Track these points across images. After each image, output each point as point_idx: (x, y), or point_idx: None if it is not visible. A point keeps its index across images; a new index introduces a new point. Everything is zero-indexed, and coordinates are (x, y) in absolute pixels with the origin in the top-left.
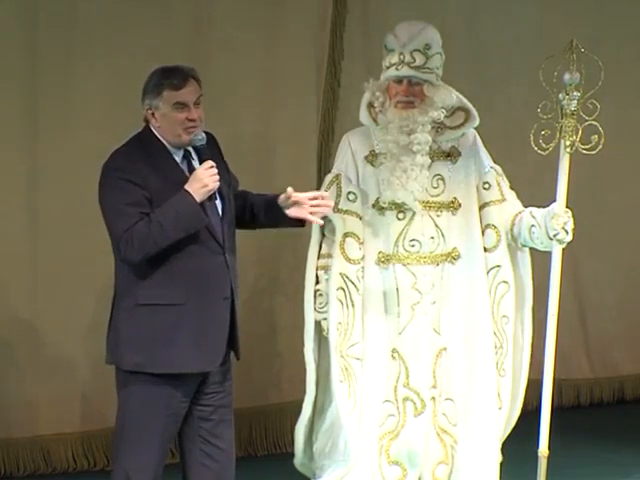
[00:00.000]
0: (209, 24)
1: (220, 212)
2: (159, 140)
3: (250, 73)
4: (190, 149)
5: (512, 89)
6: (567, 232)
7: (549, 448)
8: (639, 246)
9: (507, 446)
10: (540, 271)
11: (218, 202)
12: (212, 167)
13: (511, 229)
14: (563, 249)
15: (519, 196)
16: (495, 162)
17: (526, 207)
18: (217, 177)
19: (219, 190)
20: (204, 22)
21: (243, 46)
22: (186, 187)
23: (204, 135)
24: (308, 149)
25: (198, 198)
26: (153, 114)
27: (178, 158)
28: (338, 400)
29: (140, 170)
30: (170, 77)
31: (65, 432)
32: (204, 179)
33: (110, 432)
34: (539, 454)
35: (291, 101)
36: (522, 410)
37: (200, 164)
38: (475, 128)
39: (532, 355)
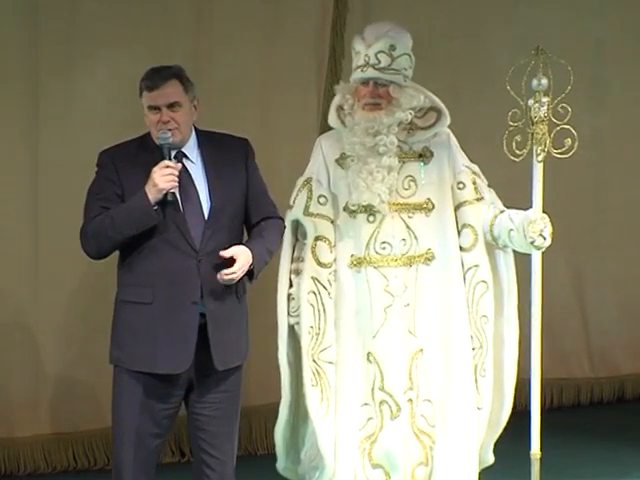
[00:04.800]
0: (210, 23)
1: (206, 215)
2: (154, 141)
3: (250, 72)
4: (184, 150)
5: (515, 90)
6: (544, 238)
7: (550, 448)
8: None
9: (510, 447)
10: (545, 269)
11: (206, 205)
12: (167, 167)
13: (491, 230)
14: (563, 248)
15: (524, 196)
16: (496, 162)
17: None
18: (171, 177)
19: (210, 193)
20: (205, 21)
21: (244, 45)
22: (145, 186)
23: (168, 134)
24: (308, 149)
25: (151, 196)
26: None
27: (168, 158)
28: (309, 404)
29: (119, 167)
30: (148, 78)
31: (65, 431)
32: (155, 179)
33: (110, 432)
34: (531, 456)
35: (291, 101)
36: (525, 411)
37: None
38: (479, 128)
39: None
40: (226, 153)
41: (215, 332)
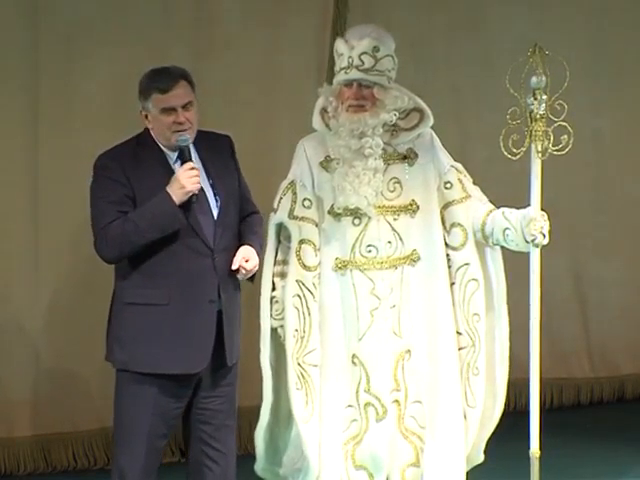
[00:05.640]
0: (210, 24)
1: (215, 214)
2: (154, 140)
3: (251, 73)
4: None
5: (515, 89)
6: (544, 236)
7: (550, 448)
8: None
9: (511, 447)
10: (545, 269)
11: (213, 204)
12: (192, 169)
13: (482, 228)
14: (563, 248)
15: (524, 195)
16: (496, 161)
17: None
18: (197, 179)
19: (216, 192)
20: (205, 22)
21: (244, 46)
22: (167, 188)
23: (188, 136)
24: None
25: (177, 199)
26: (146, 116)
27: (172, 159)
28: (294, 408)
29: (124, 168)
30: (157, 80)
31: (65, 431)
32: (182, 180)
33: (110, 431)
34: (530, 455)
35: (292, 101)
36: (525, 411)
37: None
38: (478, 127)
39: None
40: (218, 151)
41: (227, 328)
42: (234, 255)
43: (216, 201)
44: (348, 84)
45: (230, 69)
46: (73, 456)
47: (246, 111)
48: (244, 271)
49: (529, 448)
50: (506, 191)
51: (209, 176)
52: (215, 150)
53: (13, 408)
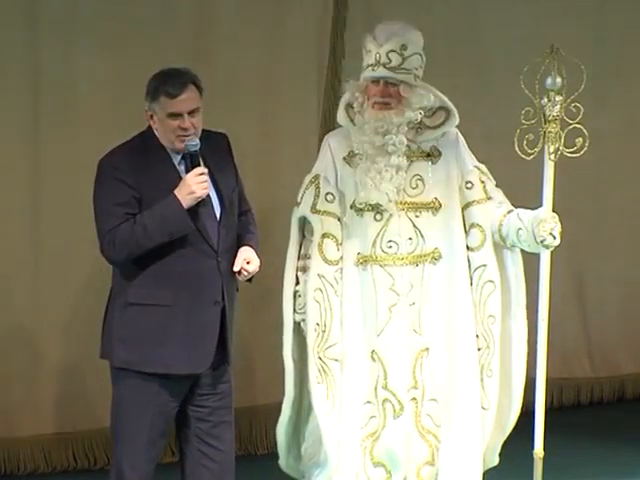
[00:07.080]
0: (210, 23)
1: (218, 216)
2: (159, 141)
3: (251, 72)
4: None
5: (515, 89)
6: (554, 237)
7: (550, 448)
8: None
9: (510, 447)
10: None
11: (216, 206)
12: (202, 174)
13: (499, 230)
14: (564, 248)
15: (524, 195)
16: (499, 161)
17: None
18: (206, 184)
19: (219, 194)
20: (205, 21)
21: (244, 45)
22: (175, 192)
23: (198, 141)
24: (309, 149)
25: (185, 204)
26: (152, 116)
27: (176, 160)
28: (315, 401)
29: (134, 170)
30: (167, 84)
31: (65, 431)
32: (192, 186)
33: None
34: (534, 455)
35: (292, 100)
36: (525, 411)
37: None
38: (478, 127)
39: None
40: (217, 150)
41: (229, 328)
42: (235, 256)
43: (219, 202)
44: (375, 81)
45: (230, 69)
46: (73, 456)
47: (246, 111)
48: (245, 273)
49: (532, 448)
50: (506, 191)
51: (212, 177)
52: (214, 149)
53: (13, 408)
